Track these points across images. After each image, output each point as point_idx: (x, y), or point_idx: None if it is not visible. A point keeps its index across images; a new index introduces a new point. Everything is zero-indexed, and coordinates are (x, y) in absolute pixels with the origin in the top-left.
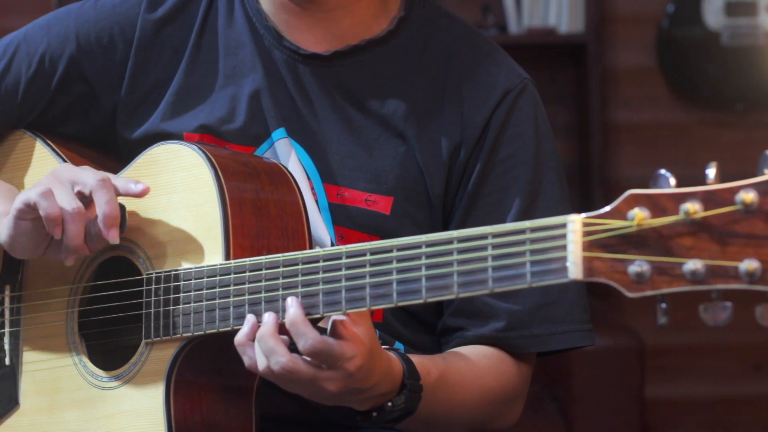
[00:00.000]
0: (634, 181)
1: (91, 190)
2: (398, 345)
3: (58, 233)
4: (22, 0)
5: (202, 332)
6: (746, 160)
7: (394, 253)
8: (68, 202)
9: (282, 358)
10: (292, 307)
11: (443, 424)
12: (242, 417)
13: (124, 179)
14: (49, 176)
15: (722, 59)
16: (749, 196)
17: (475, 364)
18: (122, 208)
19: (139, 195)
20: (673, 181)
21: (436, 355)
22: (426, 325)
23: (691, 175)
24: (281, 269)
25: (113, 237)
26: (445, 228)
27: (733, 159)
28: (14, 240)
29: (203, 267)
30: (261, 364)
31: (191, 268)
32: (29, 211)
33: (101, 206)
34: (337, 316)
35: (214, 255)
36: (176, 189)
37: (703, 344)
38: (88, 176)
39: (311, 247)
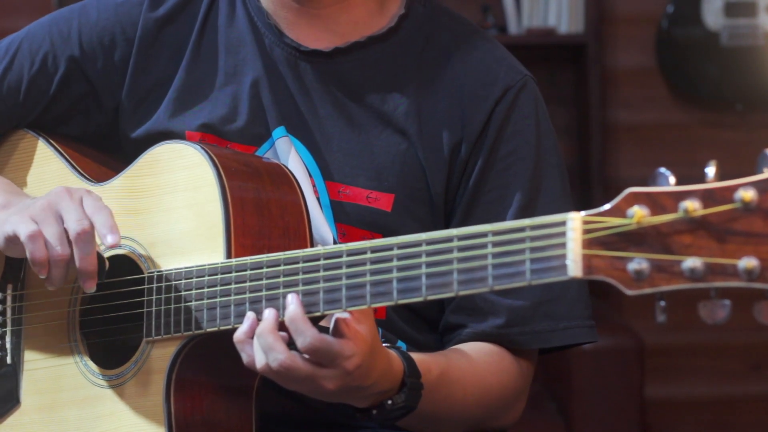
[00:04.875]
0: (633, 182)
1: (72, 240)
2: (401, 344)
3: (43, 273)
4: (22, 0)
5: (202, 330)
6: (746, 160)
7: (395, 251)
8: (55, 246)
9: (280, 355)
10: (292, 304)
11: (444, 422)
12: (242, 416)
13: (104, 222)
14: (44, 202)
15: (722, 59)
16: (748, 195)
17: (476, 361)
18: (101, 259)
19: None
20: (672, 179)
21: (437, 352)
22: (429, 323)
23: (690, 175)
24: (282, 267)
25: (88, 287)
26: (447, 225)
27: (733, 159)
28: (3, 249)
29: (204, 266)
30: (259, 361)
31: (192, 267)
32: (17, 242)
33: (78, 260)
34: (340, 315)
35: (215, 254)
36: (178, 188)
37: (703, 344)
38: (72, 222)
39: (312, 247)
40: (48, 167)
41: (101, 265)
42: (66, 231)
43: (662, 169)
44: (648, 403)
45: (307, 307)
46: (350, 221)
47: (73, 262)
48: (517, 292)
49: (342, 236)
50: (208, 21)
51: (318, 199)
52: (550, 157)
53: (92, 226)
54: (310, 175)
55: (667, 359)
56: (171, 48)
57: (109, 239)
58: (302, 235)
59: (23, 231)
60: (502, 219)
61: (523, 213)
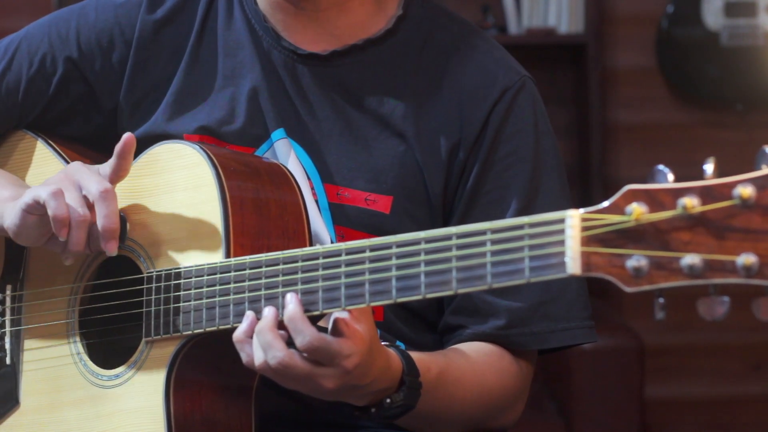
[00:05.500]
0: (633, 182)
1: (94, 200)
2: (399, 344)
3: (64, 235)
4: (22, 0)
5: (202, 330)
6: (746, 160)
7: (394, 250)
8: (76, 207)
9: (279, 353)
10: (291, 303)
11: (443, 421)
12: (242, 416)
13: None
14: (61, 175)
15: (722, 59)
16: (747, 191)
17: (476, 361)
18: (123, 219)
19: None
20: (671, 176)
21: (437, 351)
22: (428, 324)
23: (690, 175)
24: (281, 266)
25: (111, 249)
26: (446, 226)
27: (733, 159)
28: (19, 229)
29: (203, 265)
30: (258, 358)
31: (191, 267)
32: (38, 208)
33: (101, 218)
34: (338, 314)
35: (214, 254)
36: (177, 188)
37: (703, 344)
38: (92, 184)
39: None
40: (47, 168)
41: (123, 226)
42: (86, 197)
43: (660, 167)
44: (648, 403)
45: (306, 306)
46: (349, 223)
47: (94, 227)
48: (516, 293)
49: (341, 238)
50: (206, 23)
51: (316, 201)
52: (549, 158)
53: (113, 187)
54: (309, 178)
55: (667, 359)
56: (169, 50)
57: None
58: (301, 235)
59: (44, 192)
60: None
61: (522, 214)
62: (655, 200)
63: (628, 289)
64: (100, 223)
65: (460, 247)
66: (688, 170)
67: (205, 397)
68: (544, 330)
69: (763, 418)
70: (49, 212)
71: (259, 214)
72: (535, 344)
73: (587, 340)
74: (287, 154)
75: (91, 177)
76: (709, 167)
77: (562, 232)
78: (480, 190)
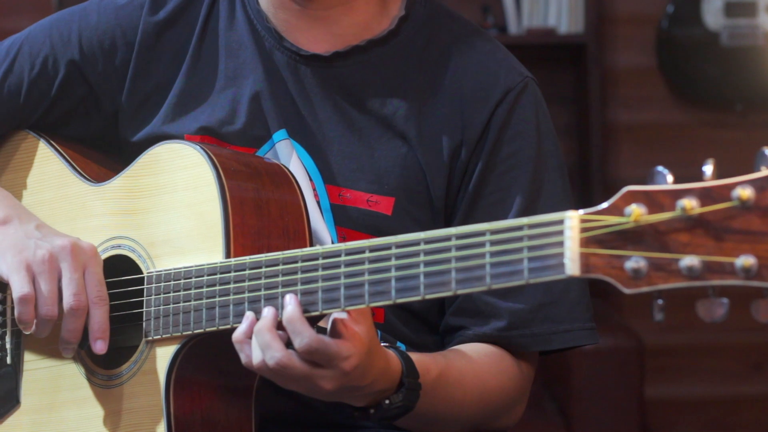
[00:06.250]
0: (633, 182)
1: (65, 307)
2: (400, 345)
3: (27, 330)
4: (22, 1)
5: (201, 330)
6: (746, 161)
7: (393, 251)
8: (45, 304)
9: (277, 354)
10: (290, 305)
11: (443, 422)
12: (242, 416)
13: (99, 320)
14: (44, 255)
15: (722, 60)
16: (746, 193)
17: (476, 362)
18: (85, 333)
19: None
20: (670, 177)
21: (437, 353)
22: (429, 325)
23: (690, 176)
24: (281, 267)
25: (65, 354)
26: (447, 228)
27: (733, 159)
28: None
29: (203, 265)
30: (256, 358)
31: (191, 267)
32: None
33: (64, 330)
34: (337, 314)
35: (214, 254)
36: (177, 188)
37: (703, 344)
38: (71, 286)
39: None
40: (48, 167)
41: (83, 338)
42: (59, 290)
43: (660, 168)
44: (648, 403)
45: (306, 306)
46: (351, 225)
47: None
48: (518, 295)
49: (342, 240)
50: (208, 24)
51: (318, 202)
52: (551, 160)
53: (87, 303)
54: (311, 179)
55: (667, 359)
56: (171, 52)
57: (98, 346)
58: (302, 236)
59: (16, 288)
60: None
61: (524, 215)
62: (654, 201)
63: (627, 291)
64: (62, 332)
65: (459, 248)
66: (688, 170)
67: (205, 397)
68: (545, 331)
69: (763, 418)
70: (15, 313)
71: (259, 214)
72: (536, 346)
73: (589, 341)
74: (289, 155)
75: (73, 276)
76: (708, 168)
77: (561, 233)
78: (482, 192)
